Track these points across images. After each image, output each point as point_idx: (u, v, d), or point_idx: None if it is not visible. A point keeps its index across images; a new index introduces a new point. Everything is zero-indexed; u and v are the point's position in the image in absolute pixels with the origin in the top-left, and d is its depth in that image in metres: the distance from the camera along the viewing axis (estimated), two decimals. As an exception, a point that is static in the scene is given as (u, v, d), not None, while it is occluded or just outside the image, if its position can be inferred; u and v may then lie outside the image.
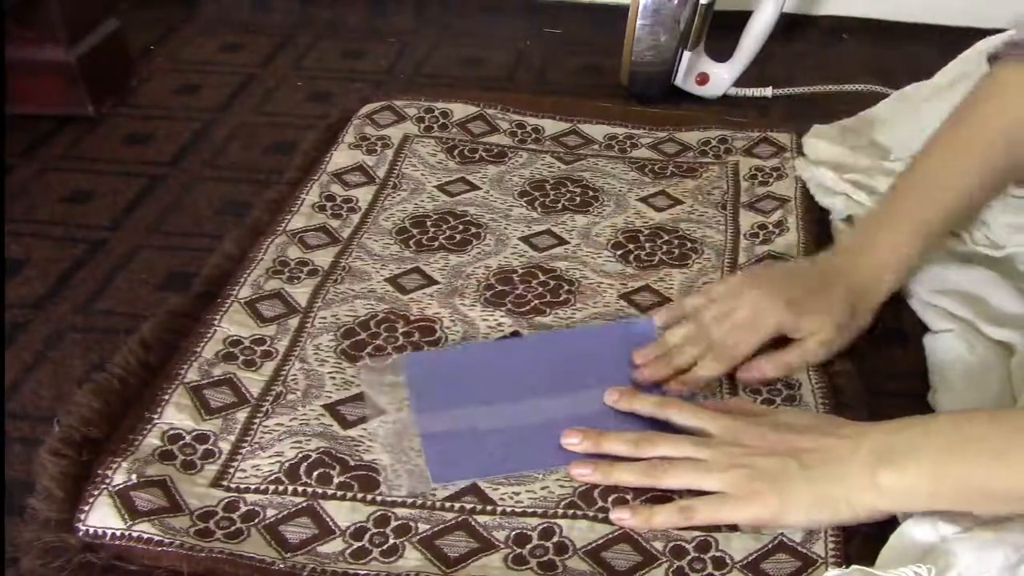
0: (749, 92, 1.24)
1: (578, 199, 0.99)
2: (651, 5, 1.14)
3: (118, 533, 0.62)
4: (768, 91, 1.24)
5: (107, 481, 0.65)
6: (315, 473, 0.68)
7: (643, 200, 0.99)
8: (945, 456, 0.53)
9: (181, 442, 0.70)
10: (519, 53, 1.38)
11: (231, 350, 0.79)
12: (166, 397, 0.74)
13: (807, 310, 0.68)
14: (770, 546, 0.61)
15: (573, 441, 0.64)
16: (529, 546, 0.62)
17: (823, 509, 0.56)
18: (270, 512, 0.65)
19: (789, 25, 1.33)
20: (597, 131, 1.04)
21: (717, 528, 0.62)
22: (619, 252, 0.92)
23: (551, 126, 1.04)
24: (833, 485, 0.55)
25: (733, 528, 0.62)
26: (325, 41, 1.42)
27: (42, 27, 1.15)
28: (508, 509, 0.65)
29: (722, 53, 1.21)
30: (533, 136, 1.03)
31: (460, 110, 1.06)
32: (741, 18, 1.20)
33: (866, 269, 0.69)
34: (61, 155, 1.13)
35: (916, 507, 0.55)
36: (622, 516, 0.59)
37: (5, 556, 0.60)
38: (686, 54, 1.19)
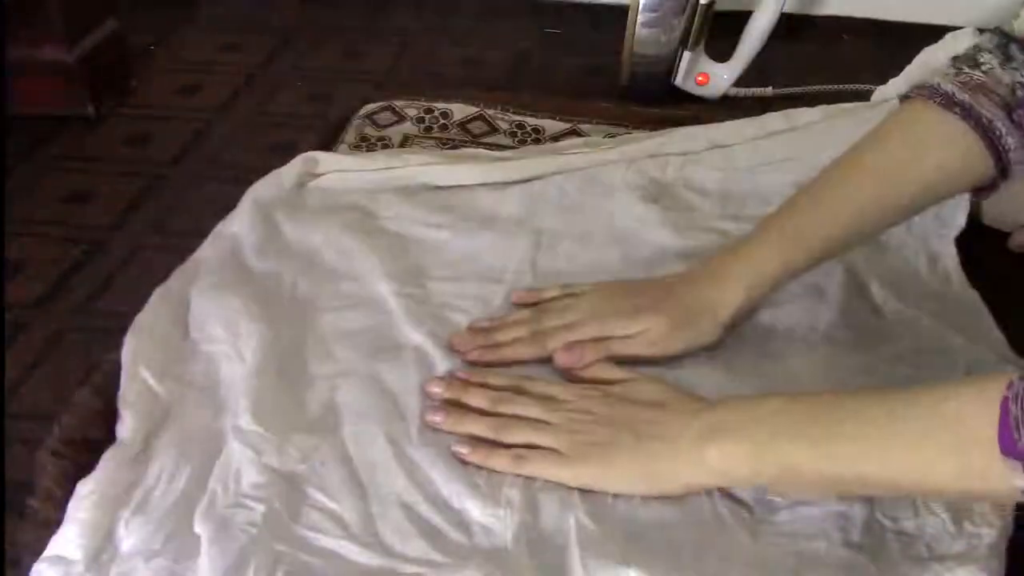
0: (749, 92, 1.24)
1: (578, 199, 0.99)
2: (651, 5, 1.14)
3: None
4: (768, 91, 1.24)
5: (107, 481, 0.65)
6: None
7: (643, 200, 1.00)
8: (767, 439, 0.55)
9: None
10: (519, 53, 1.38)
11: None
12: (166, 397, 0.74)
13: (639, 314, 0.69)
14: None
15: (436, 391, 0.66)
16: None
17: (646, 480, 0.58)
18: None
19: (789, 25, 1.33)
20: (597, 131, 1.03)
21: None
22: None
23: (551, 126, 1.04)
24: (660, 460, 0.58)
25: None
26: (325, 41, 1.43)
27: (42, 27, 1.16)
28: None
29: (722, 53, 1.21)
30: (533, 136, 1.03)
31: (460, 110, 1.06)
32: (741, 18, 1.20)
33: (719, 286, 0.69)
34: (61, 155, 1.13)
35: (737, 484, 0.59)
36: (461, 451, 0.61)
37: (5, 556, 0.60)
38: (686, 54, 1.19)
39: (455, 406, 0.65)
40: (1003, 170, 0.67)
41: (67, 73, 1.17)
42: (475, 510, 0.59)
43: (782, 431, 0.55)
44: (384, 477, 0.61)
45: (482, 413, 0.64)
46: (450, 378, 0.67)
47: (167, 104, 1.25)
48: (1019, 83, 0.65)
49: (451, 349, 0.70)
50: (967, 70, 0.67)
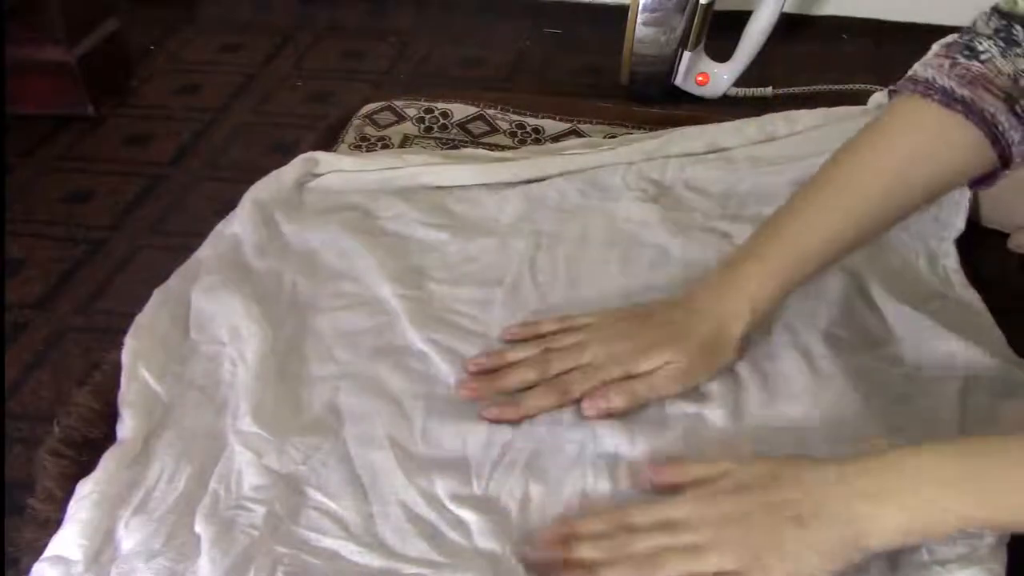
0: (749, 92, 1.24)
1: (578, 199, 0.99)
2: (651, 5, 1.14)
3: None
4: (768, 91, 1.24)
5: (107, 481, 0.65)
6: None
7: (643, 200, 1.00)
8: (941, 491, 0.52)
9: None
10: (519, 53, 1.38)
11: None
12: (166, 397, 0.75)
13: (656, 348, 0.66)
14: None
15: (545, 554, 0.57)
16: None
17: (835, 559, 0.53)
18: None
19: (789, 25, 1.33)
20: (597, 131, 1.03)
21: None
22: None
23: (551, 126, 1.04)
24: (835, 535, 0.53)
25: None
26: (325, 41, 1.43)
27: (42, 27, 1.16)
28: None
29: (722, 53, 1.21)
30: (533, 136, 1.03)
31: (460, 110, 1.06)
32: (741, 18, 1.20)
33: (726, 305, 0.67)
34: (61, 155, 1.13)
35: (921, 539, 0.55)
36: None
37: (5, 556, 0.60)
38: (686, 54, 1.19)
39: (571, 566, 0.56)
40: (1005, 162, 0.64)
41: (67, 73, 1.17)
42: (474, 511, 0.59)
43: (951, 481, 0.52)
44: (384, 478, 0.61)
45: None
46: (544, 542, 0.57)
47: (167, 104, 1.25)
48: (1023, 71, 0.62)
49: (464, 397, 0.66)
50: (963, 60, 0.63)
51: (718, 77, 1.22)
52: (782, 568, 0.53)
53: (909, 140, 0.65)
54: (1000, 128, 0.62)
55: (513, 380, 0.67)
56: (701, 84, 1.22)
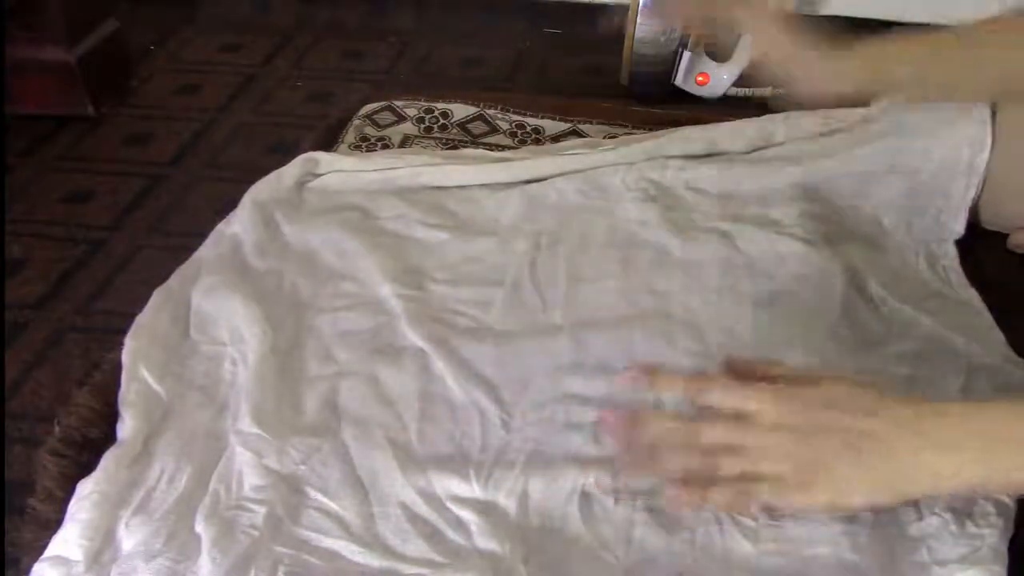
0: (749, 92, 1.24)
1: (578, 199, 0.99)
2: (651, 5, 1.14)
3: (118, 533, 0.63)
4: (768, 91, 1.24)
5: (107, 481, 0.65)
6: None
7: (643, 200, 1.00)
8: (1000, 447, 0.54)
9: (181, 442, 0.71)
10: (519, 53, 1.38)
11: (231, 350, 0.80)
12: (166, 397, 0.74)
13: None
14: None
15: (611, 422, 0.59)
16: None
17: (881, 492, 0.55)
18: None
19: (789, 25, 1.33)
20: (597, 131, 1.03)
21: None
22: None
23: (551, 126, 1.04)
24: (887, 471, 0.55)
25: None
26: (325, 41, 1.43)
27: (42, 27, 1.16)
28: None
29: (722, 53, 1.21)
30: (533, 136, 1.03)
31: (460, 110, 1.06)
32: (741, 18, 1.20)
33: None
34: (61, 155, 1.13)
35: (970, 491, 0.57)
36: (678, 495, 0.56)
37: (5, 556, 0.60)
38: (686, 54, 1.19)
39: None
40: None
41: (67, 73, 1.17)
42: (474, 511, 0.59)
43: (1014, 439, 0.53)
44: (384, 478, 0.61)
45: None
46: (620, 419, 0.59)
47: (167, 104, 1.26)
48: None
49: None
50: None
51: (718, 77, 1.22)
52: (825, 488, 0.55)
53: None
54: None
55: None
56: (701, 84, 1.22)
